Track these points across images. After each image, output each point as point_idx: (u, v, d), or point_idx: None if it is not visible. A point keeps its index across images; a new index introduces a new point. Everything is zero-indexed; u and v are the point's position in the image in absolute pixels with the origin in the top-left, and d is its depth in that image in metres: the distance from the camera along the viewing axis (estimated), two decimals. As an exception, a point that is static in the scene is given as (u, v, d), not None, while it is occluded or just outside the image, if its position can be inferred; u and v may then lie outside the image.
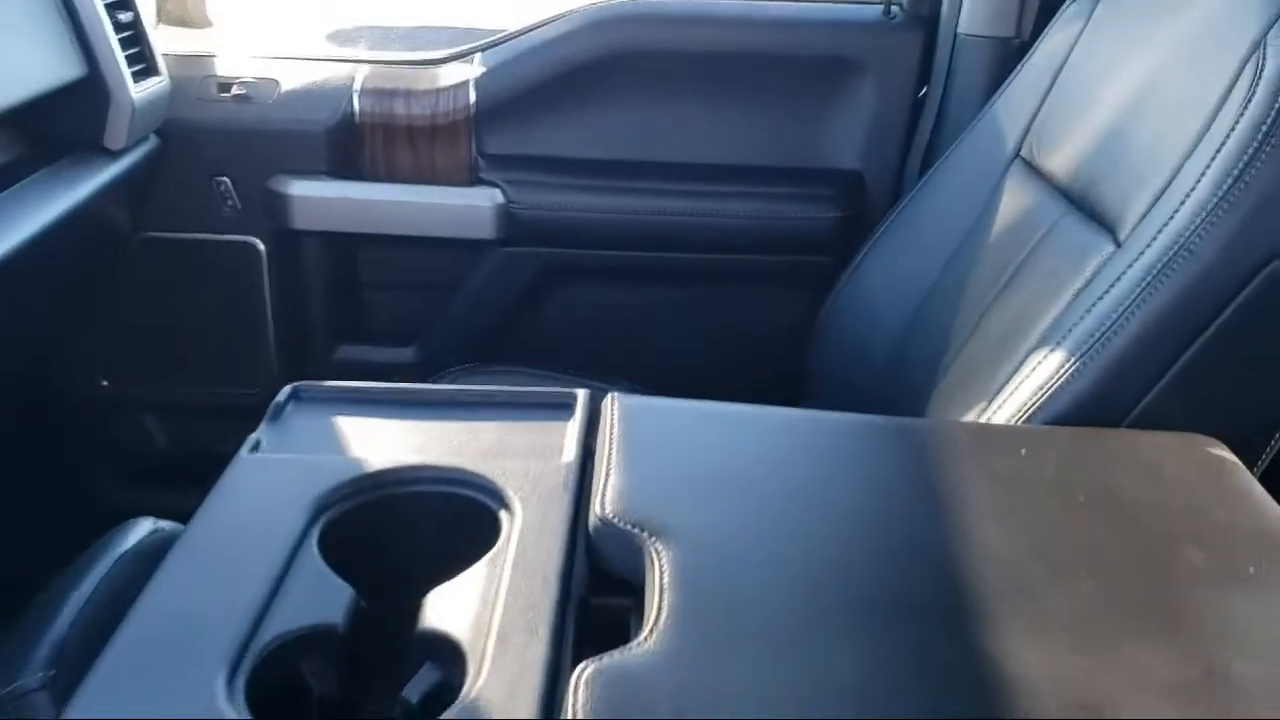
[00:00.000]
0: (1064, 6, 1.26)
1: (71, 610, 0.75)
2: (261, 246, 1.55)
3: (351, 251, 1.61)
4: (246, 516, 0.69)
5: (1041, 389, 0.87)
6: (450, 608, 0.63)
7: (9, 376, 1.44)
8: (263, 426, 0.80)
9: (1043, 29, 1.29)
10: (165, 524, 0.86)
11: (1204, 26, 0.98)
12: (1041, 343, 0.92)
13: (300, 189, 1.51)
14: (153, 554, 0.79)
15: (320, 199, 1.52)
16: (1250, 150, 0.83)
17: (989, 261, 1.15)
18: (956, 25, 1.50)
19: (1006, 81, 1.29)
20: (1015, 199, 1.17)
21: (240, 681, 0.57)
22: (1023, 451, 0.80)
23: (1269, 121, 0.83)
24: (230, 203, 1.53)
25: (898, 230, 1.34)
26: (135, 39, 1.39)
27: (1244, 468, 0.80)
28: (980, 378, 0.99)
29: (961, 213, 1.24)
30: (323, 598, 0.64)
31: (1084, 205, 1.04)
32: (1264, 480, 0.82)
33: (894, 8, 1.54)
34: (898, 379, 1.21)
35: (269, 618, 0.62)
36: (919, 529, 0.70)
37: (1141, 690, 0.58)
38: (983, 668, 0.59)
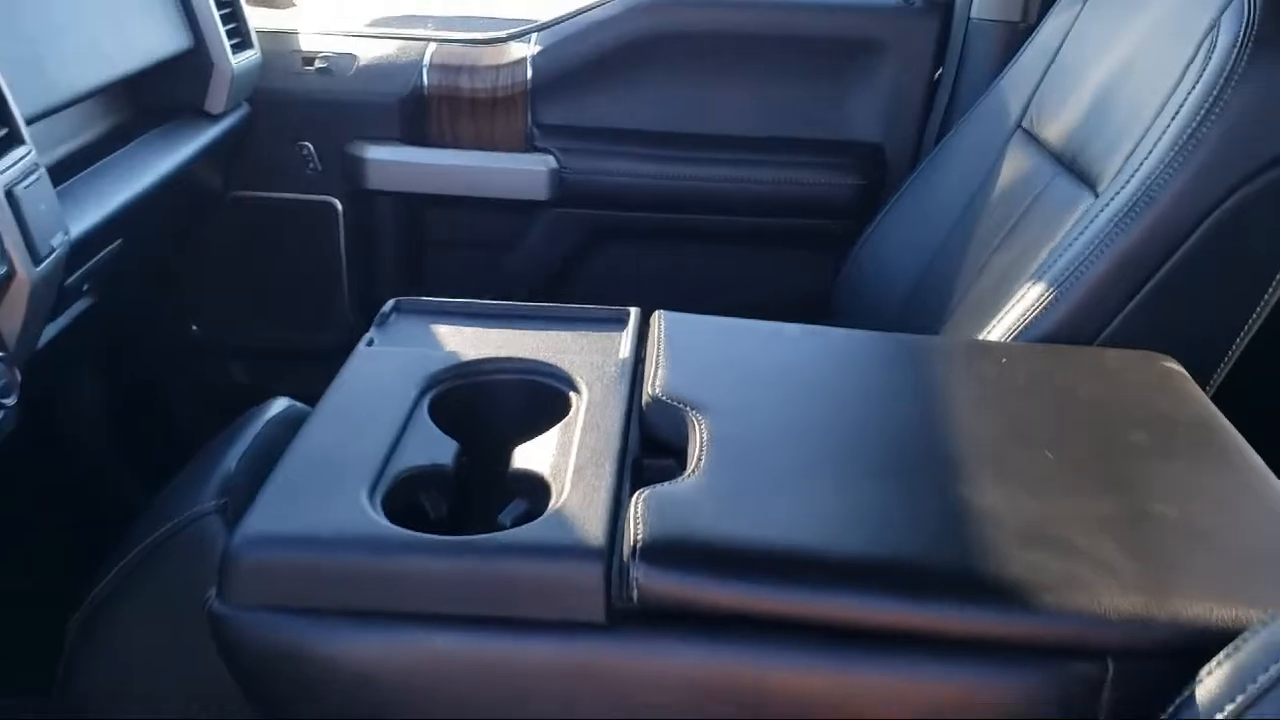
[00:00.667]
0: None
1: (234, 456, 0.92)
2: (339, 205, 1.72)
3: (419, 211, 1.78)
4: (369, 391, 0.86)
5: (1025, 314, 1.03)
6: (534, 455, 0.80)
7: (113, 318, 1.62)
8: (373, 330, 0.97)
9: (1046, 13, 1.45)
10: (298, 404, 1.03)
11: (1175, 10, 1.13)
12: (1028, 279, 1.07)
13: (374, 153, 1.68)
14: (293, 421, 0.96)
15: (392, 163, 1.69)
16: (1202, 112, 0.99)
17: (992, 218, 1.30)
18: (970, 11, 1.65)
19: (1012, 60, 1.44)
20: (1015, 164, 1.33)
21: (378, 502, 0.74)
22: (1003, 360, 0.96)
23: (1217, 88, 0.99)
24: (311, 165, 1.70)
25: (912, 195, 1.50)
26: (233, 15, 1.56)
27: (1190, 378, 0.95)
28: (979, 312, 1.15)
29: (969, 177, 1.40)
30: (434, 448, 0.81)
31: (1073, 167, 1.19)
32: (1216, 398, 0.98)
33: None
34: (910, 324, 1.36)
35: (394, 460, 0.78)
36: (916, 412, 0.86)
37: (1085, 525, 0.74)
38: (962, 508, 0.75)
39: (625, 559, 0.69)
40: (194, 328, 1.80)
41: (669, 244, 1.76)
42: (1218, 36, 1.02)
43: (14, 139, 0.95)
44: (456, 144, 1.71)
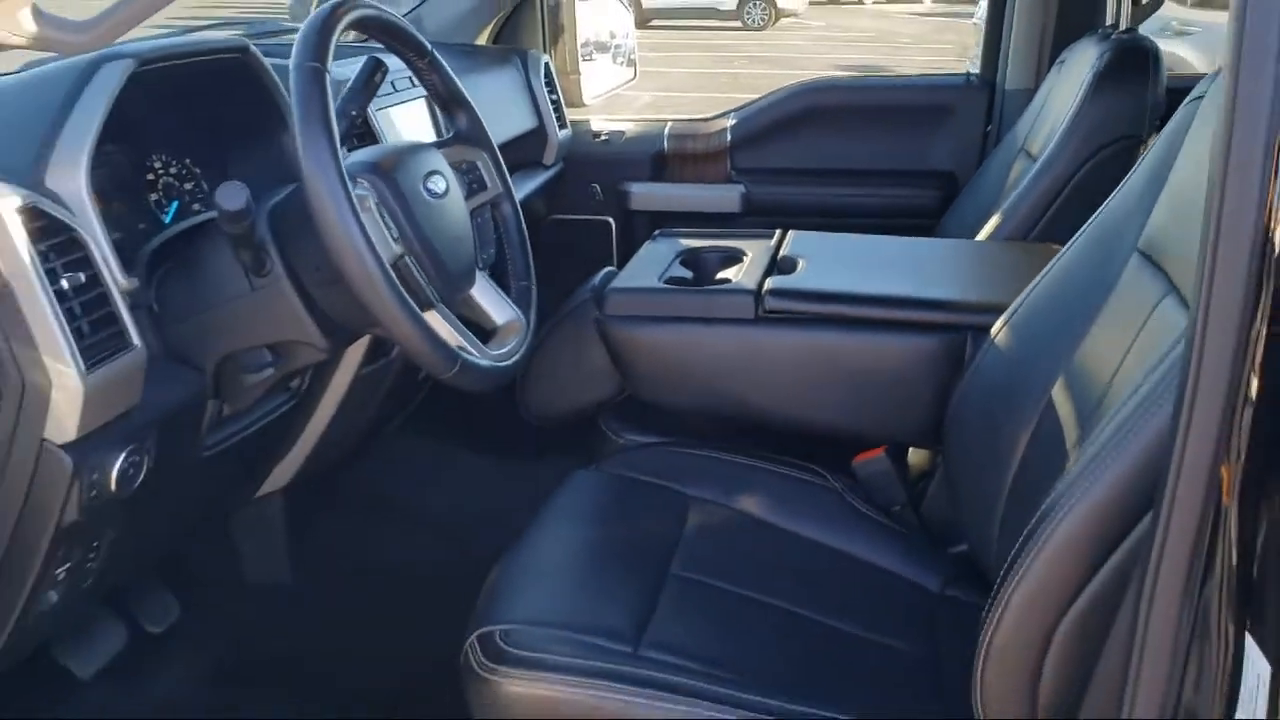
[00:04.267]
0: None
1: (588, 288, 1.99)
2: (612, 222, 2.80)
3: (660, 223, 2.84)
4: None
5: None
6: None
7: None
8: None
9: (1042, 80, 2.40)
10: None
11: None
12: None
13: (635, 189, 2.76)
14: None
15: (645, 194, 2.77)
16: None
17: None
18: (1005, 84, 2.62)
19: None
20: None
21: None
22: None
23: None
24: (597, 198, 2.80)
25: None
26: (557, 109, 2.69)
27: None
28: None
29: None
30: None
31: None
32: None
33: (970, 76, 2.68)
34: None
35: None
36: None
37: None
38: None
39: (763, 293, 1.70)
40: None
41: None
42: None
43: None
44: (683, 180, 2.78)
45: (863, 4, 24.96)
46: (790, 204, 2.71)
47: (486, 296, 1.50)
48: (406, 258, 1.30)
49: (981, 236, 2.07)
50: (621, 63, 3.13)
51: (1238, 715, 0.84)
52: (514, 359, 1.44)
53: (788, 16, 20.48)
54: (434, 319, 1.33)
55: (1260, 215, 0.77)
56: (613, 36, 3.09)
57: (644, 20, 19.77)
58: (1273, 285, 0.77)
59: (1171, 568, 0.87)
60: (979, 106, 2.66)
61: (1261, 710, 0.81)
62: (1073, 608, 1.07)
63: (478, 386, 1.35)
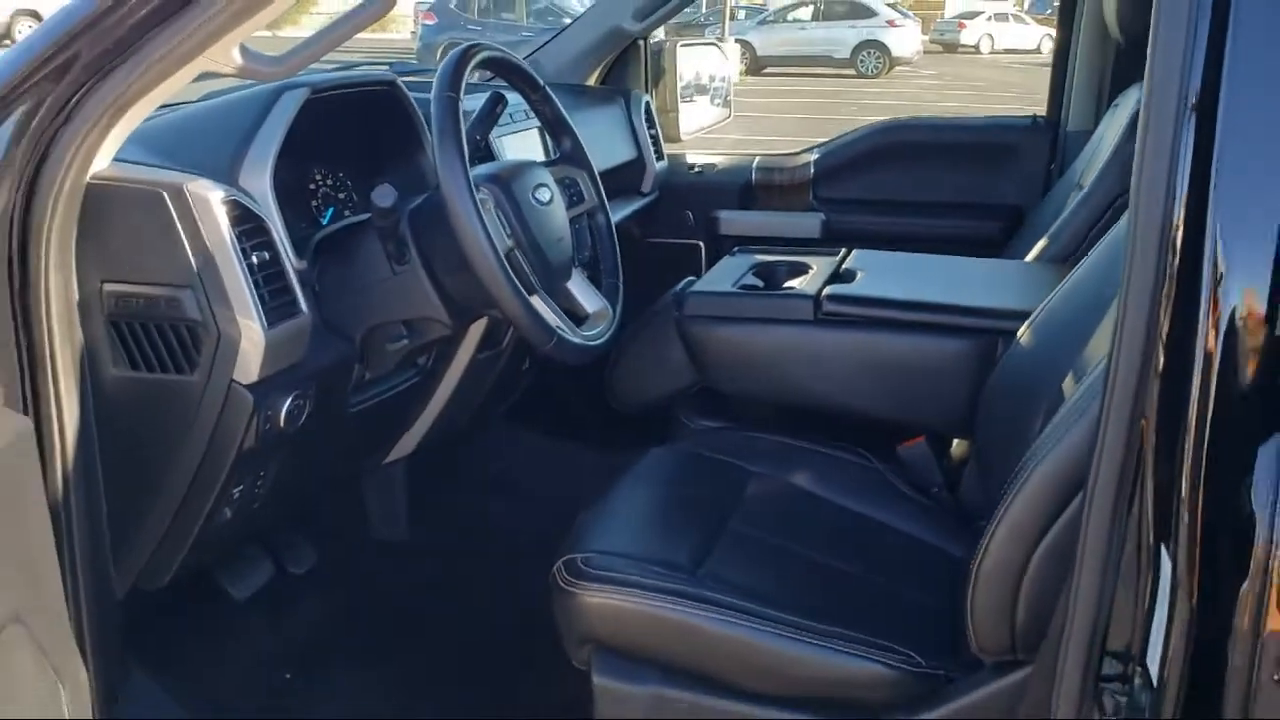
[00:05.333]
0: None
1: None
2: (702, 245, 3.09)
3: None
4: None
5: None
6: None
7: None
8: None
9: (1100, 121, 2.62)
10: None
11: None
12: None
13: (725, 215, 3.04)
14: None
15: (734, 220, 3.04)
16: None
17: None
18: (1067, 125, 2.84)
19: None
20: None
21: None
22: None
23: None
24: (689, 223, 3.08)
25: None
26: (655, 141, 2.99)
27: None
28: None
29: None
30: None
31: None
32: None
33: (1036, 118, 2.91)
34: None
35: None
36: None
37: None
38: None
39: (821, 298, 1.96)
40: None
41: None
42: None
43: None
44: (769, 208, 3.05)
45: (979, 53, 25.02)
46: (866, 231, 2.96)
47: (581, 289, 1.80)
48: (516, 251, 1.61)
49: (1030, 258, 2.30)
50: (719, 103, 3.43)
51: (1155, 618, 1.08)
52: (601, 340, 1.74)
53: (901, 64, 20.70)
54: (536, 303, 1.63)
55: (1166, 226, 1.02)
56: (711, 79, 3.40)
57: (758, 68, 20.20)
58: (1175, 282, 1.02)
59: (1103, 491, 1.12)
60: (1044, 146, 2.88)
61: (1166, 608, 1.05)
62: (1043, 541, 1.31)
63: (569, 359, 1.65)
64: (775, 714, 1.48)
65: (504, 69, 1.80)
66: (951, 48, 25.55)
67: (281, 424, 1.53)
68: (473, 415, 2.23)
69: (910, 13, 23.33)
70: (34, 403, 1.32)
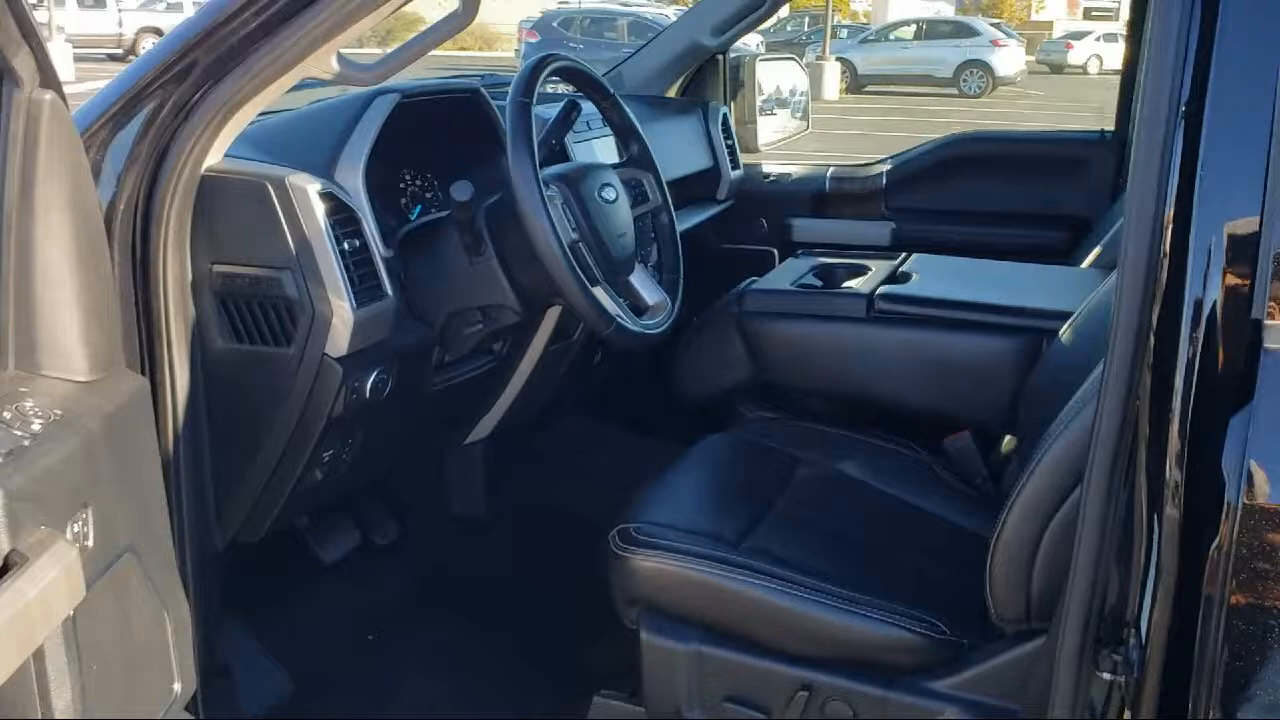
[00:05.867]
0: None
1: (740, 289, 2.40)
2: (775, 252, 3.20)
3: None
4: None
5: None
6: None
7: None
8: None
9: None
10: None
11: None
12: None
13: (798, 223, 3.16)
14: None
15: (807, 228, 3.16)
16: None
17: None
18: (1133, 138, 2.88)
19: None
20: None
21: None
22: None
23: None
24: (763, 230, 3.20)
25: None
26: (732, 151, 3.12)
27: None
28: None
29: None
30: None
31: None
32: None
33: (1104, 132, 2.97)
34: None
35: None
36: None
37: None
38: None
39: (874, 297, 2.07)
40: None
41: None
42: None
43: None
44: (841, 217, 3.16)
45: (1086, 73, 24.61)
46: (934, 240, 3.04)
47: (642, 282, 1.94)
48: (580, 243, 1.76)
49: (1085, 264, 2.37)
50: (798, 116, 3.55)
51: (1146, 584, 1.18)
52: (658, 330, 1.87)
53: (1006, 84, 20.48)
54: (599, 292, 1.77)
55: (1156, 225, 1.12)
56: (791, 93, 3.52)
57: (859, 86, 20.19)
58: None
59: (1100, 469, 1.22)
60: (1111, 159, 2.94)
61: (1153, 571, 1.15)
62: (1057, 514, 1.41)
63: (628, 345, 1.79)
64: (808, 674, 1.59)
65: (576, 78, 1.96)
66: (1058, 68, 25.18)
67: (367, 395, 1.69)
68: (546, 403, 2.38)
69: (1016, 32, 23.08)
70: (151, 367, 1.51)
